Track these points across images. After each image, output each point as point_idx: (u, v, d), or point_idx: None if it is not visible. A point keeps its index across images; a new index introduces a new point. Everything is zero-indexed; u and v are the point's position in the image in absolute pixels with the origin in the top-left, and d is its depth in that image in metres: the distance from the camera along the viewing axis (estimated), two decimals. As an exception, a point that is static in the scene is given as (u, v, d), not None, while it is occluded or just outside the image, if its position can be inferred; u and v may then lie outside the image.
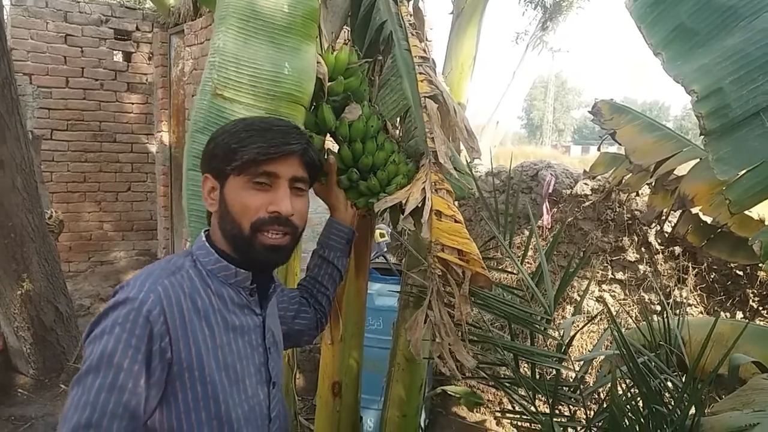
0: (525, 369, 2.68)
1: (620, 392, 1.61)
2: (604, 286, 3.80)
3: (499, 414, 3.79)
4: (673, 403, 1.45)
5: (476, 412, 4.21)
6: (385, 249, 4.12)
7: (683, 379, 1.54)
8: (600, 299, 3.82)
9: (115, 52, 6.43)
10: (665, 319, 1.79)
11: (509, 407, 4.06)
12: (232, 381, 1.09)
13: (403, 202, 1.51)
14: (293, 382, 3.90)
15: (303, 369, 4.35)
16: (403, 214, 1.54)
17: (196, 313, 1.06)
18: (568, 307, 3.85)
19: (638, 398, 1.49)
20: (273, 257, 1.15)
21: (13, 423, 3.80)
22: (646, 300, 3.57)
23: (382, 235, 4.08)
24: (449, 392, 2.88)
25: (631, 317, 3.61)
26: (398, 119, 1.67)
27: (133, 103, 6.60)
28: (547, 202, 3.94)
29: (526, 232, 4.06)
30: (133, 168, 6.70)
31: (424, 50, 1.64)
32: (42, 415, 3.90)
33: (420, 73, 1.59)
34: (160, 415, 1.03)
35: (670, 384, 1.56)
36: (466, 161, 1.91)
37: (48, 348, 4.20)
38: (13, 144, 3.42)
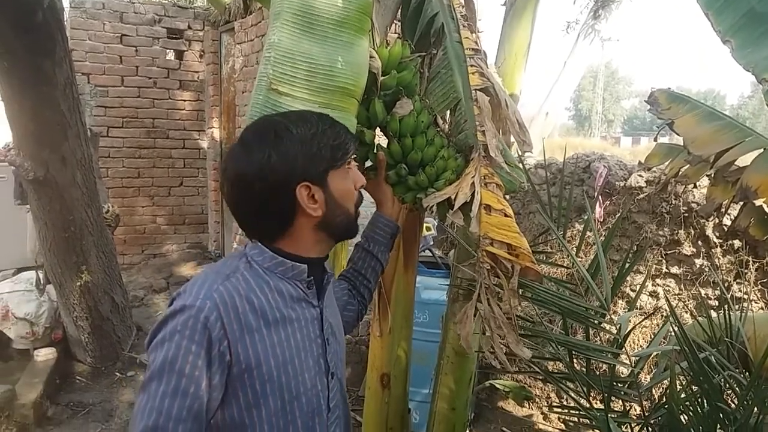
0: (576, 365, 2.64)
1: (678, 389, 1.57)
2: (658, 281, 3.70)
3: (547, 409, 3.73)
4: (736, 401, 1.41)
5: (523, 407, 4.17)
6: (432, 243, 4.11)
7: (746, 377, 1.49)
8: (654, 294, 3.72)
9: (167, 50, 6.59)
10: (726, 314, 1.73)
11: (556, 402, 4.01)
12: (290, 376, 1.11)
13: (452, 197, 1.51)
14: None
15: (349, 361, 4.39)
16: (452, 209, 1.54)
17: (254, 313, 1.08)
18: (621, 302, 3.76)
19: (698, 395, 1.45)
20: (357, 229, 1.28)
21: (72, 409, 3.96)
22: (703, 295, 3.46)
23: (428, 229, 4.07)
24: (497, 386, 2.86)
25: (687, 313, 3.50)
26: (448, 112, 1.66)
27: (185, 101, 6.76)
28: (600, 195, 3.85)
29: (578, 226, 3.98)
30: (185, 164, 6.87)
31: (476, 42, 1.62)
32: (99, 401, 4.06)
33: (471, 65, 1.57)
34: (223, 414, 1.07)
35: (732, 381, 1.51)
36: (518, 154, 1.89)
37: (104, 337, 4.36)
38: (74, 141, 3.55)
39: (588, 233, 3.87)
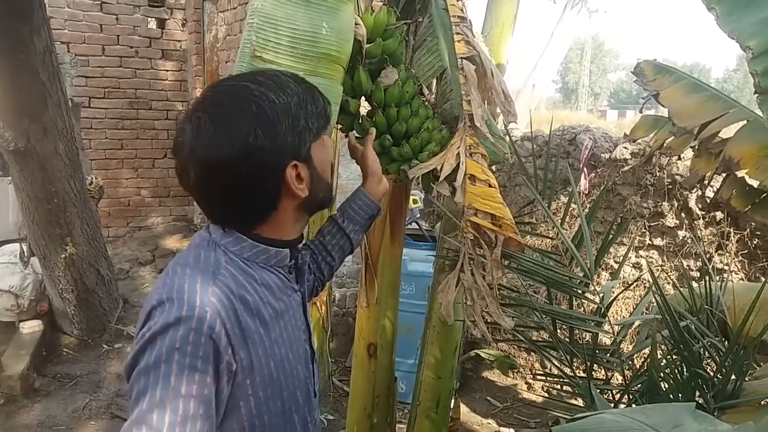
0: (560, 334, 2.68)
1: (659, 357, 1.60)
2: (641, 252, 3.74)
3: (532, 378, 3.80)
4: (715, 368, 1.43)
5: (507, 376, 4.23)
6: (418, 215, 4.12)
7: (725, 344, 1.52)
8: (637, 265, 3.77)
9: (149, 19, 6.46)
10: (707, 284, 1.76)
11: (540, 372, 4.08)
12: (287, 373, 1.04)
13: (438, 168, 1.50)
14: (327, 345, 3.98)
15: (336, 333, 4.42)
16: (437, 180, 1.53)
17: (249, 313, 0.97)
18: (604, 273, 3.80)
19: (678, 362, 1.48)
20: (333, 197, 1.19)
21: (60, 380, 3.97)
22: (685, 266, 3.51)
23: (414, 202, 4.08)
24: (482, 356, 2.90)
25: (668, 283, 3.55)
26: (434, 81, 1.65)
27: (167, 71, 6.65)
28: (585, 167, 3.87)
29: (563, 198, 4.01)
30: (169, 135, 6.79)
31: (462, 9, 1.60)
32: (86, 373, 4.07)
33: (457, 33, 1.56)
34: (229, 422, 0.96)
35: (711, 348, 1.54)
36: (504, 125, 1.88)
37: (91, 309, 4.35)
38: (54, 111, 3.49)
39: (573, 205, 3.90)
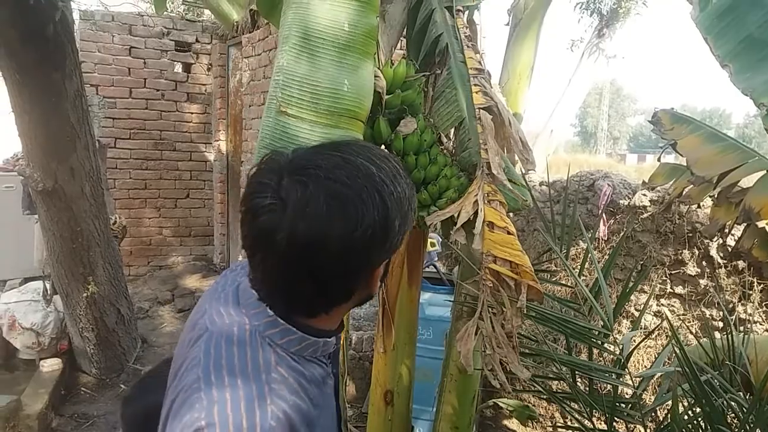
0: (580, 384, 2.63)
1: (681, 411, 1.57)
2: (662, 301, 3.69)
3: (552, 429, 3.71)
4: (738, 424, 1.41)
5: (527, 426, 4.14)
6: (436, 258, 4.12)
7: (747, 399, 1.49)
8: (658, 314, 3.71)
9: (175, 63, 6.66)
10: (728, 336, 1.74)
11: (560, 422, 3.99)
12: None
13: (455, 215, 1.53)
14: (344, 390, 3.93)
15: (353, 377, 4.38)
16: (455, 227, 1.56)
17: (304, 423, 0.85)
18: (625, 321, 3.75)
19: (700, 417, 1.45)
20: None
21: (77, 420, 3.97)
22: (707, 315, 3.45)
23: (432, 245, 4.08)
24: (501, 405, 2.85)
25: (691, 333, 3.49)
26: (452, 131, 1.69)
27: (192, 113, 6.82)
28: (604, 214, 3.86)
29: (582, 244, 3.99)
30: (192, 176, 6.91)
31: (480, 62, 1.65)
32: (103, 413, 4.06)
33: (475, 85, 1.60)
34: None
35: (734, 404, 1.51)
36: (521, 172, 1.90)
37: (110, 348, 4.37)
38: (82, 153, 3.59)
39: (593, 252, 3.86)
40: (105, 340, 4.28)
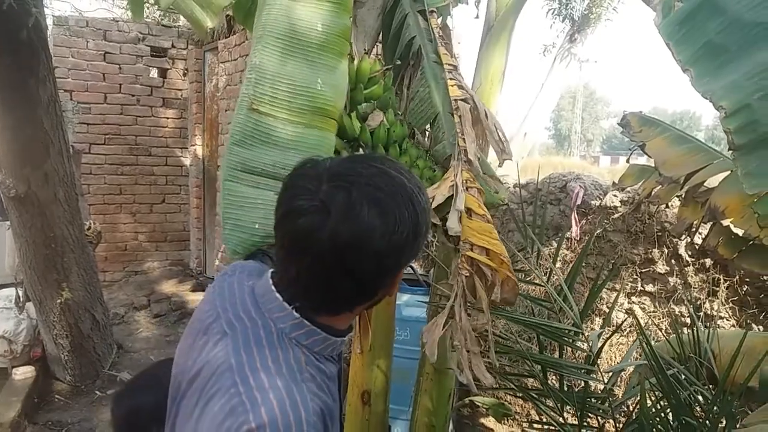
0: (553, 380, 2.68)
1: (649, 404, 1.62)
2: (633, 298, 3.77)
3: (529, 426, 3.77)
4: (703, 415, 1.46)
5: (503, 423, 4.19)
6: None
7: (711, 391, 1.54)
8: (629, 311, 3.79)
9: (151, 68, 6.61)
10: (695, 332, 1.79)
11: (537, 419, 4.04)
12: None
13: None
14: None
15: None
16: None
17: (330, 418, 0.92)
18: (597, 319, 3.82)
19: (668, 410, 1.50)
20: None
21: (51, 428, 3.91)
22: (677, 312, 3.53)
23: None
24: (477, 403, 2.89)
25: (660, 330, 3.57)
26: (428, 127, 1.71)
27: (168, 118, 6.77)
28: (575, 214, 3.93)
29: (554, 244, 4.06)
30: (168, 180, 6.86)
31: (454, 59, 1.69)
32: (78, 420, 4.01)
33: (451, 79, 1.63)
34: None
35: (700, 396, 1.56)
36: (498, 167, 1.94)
37: (85, 355, 4.32)
38: (56, 158, 3.55)
39: (564, 251, 3.93)
40: (80, 347, 4.23)
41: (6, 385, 4.09)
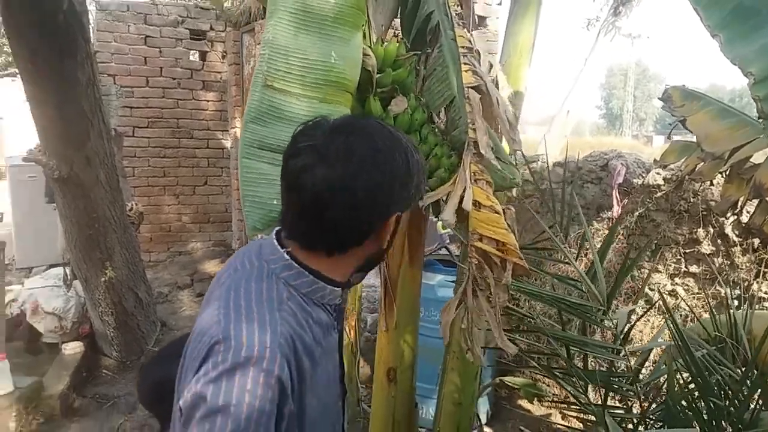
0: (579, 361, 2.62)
1: (679, 386, 1.56)
2: (677, 280, 3.65)
3: (564, 407, 3.71)
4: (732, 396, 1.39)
5: (542, 405, 4.14)
6: (448, 241, 4.12)
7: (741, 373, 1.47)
8: (673, 293, 3.67)
9: (191, 52, 6.70)
10: (730, 313, 1.72)
11: (573, 401, 3.97)
12: (324, 413, 1.05)
13: (443, 198, 1.53)
14: (356, 370, 3.97)
15: (368, 358, 4.42)
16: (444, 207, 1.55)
17: (306, 354, 0.96)
18: (641, 301, 3.71)
19: (693, 391, 1.44)
20: None
21: (98, 401, 4.07)
22: (722, 294, 3.40)
23: (444, 227, 4.08)
24: (508, 383, 2.85)
25: (705, 312, 3.45)
26: (444, 109, 1.68)
27: (208, 101, 6.87)
28: (617, 193, 3.81)
29: (596, 224, 3.95)
30: (209, 163, 6.97)
31: (470, 40, 1.64)
32: (123, 394, 4.16)
33: (465, 64, 1.59)
34: None
35: (729, 378, 1.50)
36: (523, 153, 1.89)
37: (129, 332, 4.46)
38: (96, 140, 3.64)
39: (606, 230, 3.82)
40: (124, 324, 4.37)
41: (56, 359, 4.27)
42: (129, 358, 4.53)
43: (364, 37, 1.56)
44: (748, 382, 1.34)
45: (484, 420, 4.01)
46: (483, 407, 3.98)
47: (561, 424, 3.91)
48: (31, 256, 5.45)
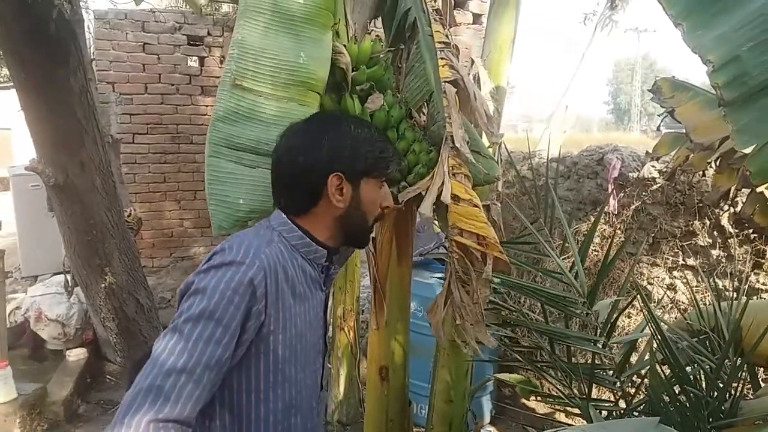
0: (561, 353, 2.61)
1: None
2: (675, 273, 3.63)
3: (559, 402, 3.70)
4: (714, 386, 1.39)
5: (545, 405, 4.12)
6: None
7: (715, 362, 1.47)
8: (671, 287, 3.65)
9: (189, 57, 6.72)
10: (714, 304, 1.71)
11: (577, 397, 3.95)
12: (304, 347, 1.21)
13: (423, 192, 1.53)
14: (357, 371, 3.97)
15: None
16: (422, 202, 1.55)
17: (287, 282, 1.15)
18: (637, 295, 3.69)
19: (674, 382, 1.44)
20: (368, 241, 1.39)
21: (102, 407, 4.10)
22: (720, 286, 3.38)
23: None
24: (503, 381, 2.84)
25: (703, 304, 3.42)
26: (424, 104, 1.68)
27: (207, 106, 6.87)
28: (612, 187, 3.80)
29: (592, 218, 3.94)
30: (210, 168, 6.97)
31: (447, 36, 1.64)
32: (128, 400, 4.18)
33: (442, 58, 1.59)
34: (239, 377, 1.13)
35: (707, 368, 1.49)
36: (503, 146, 1.88)
37: (132, 337, 4.47)
38: (91, 147, 3.67)
39: (603, 225, 3.80)
40: (126, 330, 4.39)
41: (61, 366, 4.30)
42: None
43: (339, 35, 1.56)
44: (725, 371, 1.33)
45: (487, 419, 4.01)
46: (486, 406, 3.98)
47: (565, 423, 3.89)
48: (36, 264, 5.49)
